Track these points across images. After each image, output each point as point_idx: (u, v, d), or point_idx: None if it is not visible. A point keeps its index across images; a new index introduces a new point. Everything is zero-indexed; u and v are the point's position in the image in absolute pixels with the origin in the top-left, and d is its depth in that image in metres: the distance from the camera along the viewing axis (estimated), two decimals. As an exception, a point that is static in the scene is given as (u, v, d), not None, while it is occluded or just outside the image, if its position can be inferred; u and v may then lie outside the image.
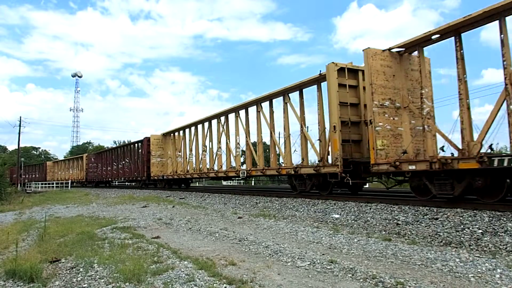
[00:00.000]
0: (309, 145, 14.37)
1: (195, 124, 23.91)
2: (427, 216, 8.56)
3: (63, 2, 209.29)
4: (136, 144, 32.49)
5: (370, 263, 5.50)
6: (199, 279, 4.69)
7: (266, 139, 19.19)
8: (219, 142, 20.89)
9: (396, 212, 9.35)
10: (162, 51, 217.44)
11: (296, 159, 15.27)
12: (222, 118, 20.63)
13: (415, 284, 4.42)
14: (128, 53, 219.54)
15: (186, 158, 25.04)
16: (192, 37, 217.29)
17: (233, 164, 19.72)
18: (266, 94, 16.57)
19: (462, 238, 6.89)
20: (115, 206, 16.24)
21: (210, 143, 21.94)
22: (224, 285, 4.46)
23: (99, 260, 5.77)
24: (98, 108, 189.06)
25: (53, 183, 46.16)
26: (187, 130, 25.27)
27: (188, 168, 24.83)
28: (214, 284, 4.47)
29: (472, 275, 4.78)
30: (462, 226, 7.47)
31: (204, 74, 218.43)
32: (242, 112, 18.80)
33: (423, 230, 7.74)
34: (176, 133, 27.25)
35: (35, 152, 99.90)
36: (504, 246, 6.23)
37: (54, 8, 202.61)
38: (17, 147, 56.75)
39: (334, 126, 12.36)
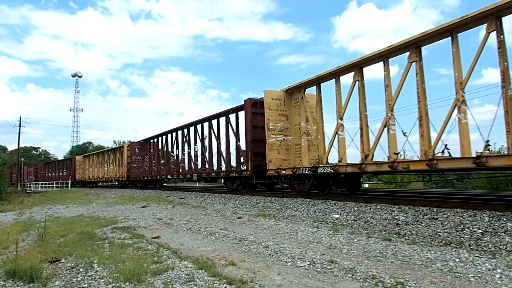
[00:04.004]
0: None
1: (390, 51, 10.62)
2: (427, 216, 8.56)
3: (64, 2, 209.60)
4: (220, 118, 19.40)
5: (370, 263, 5.50)
6: (199, 279, 4.69)
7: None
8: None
9: (396, 212, 9.36)
10: (162, 51, 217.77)
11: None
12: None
13: (415, 284, 4.42)
14: (128, 53, 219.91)
15: (367, 130, 11.65)
16: (192, 37, 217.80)
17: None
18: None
19: (462, 238, 6.89)
20: (115, 206, 16.24)
21: None
22: (224, 285, 4.46)
23: (99, 260, 5.77)
24: (98, 108, 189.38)
25: (52, 183, 45.21)
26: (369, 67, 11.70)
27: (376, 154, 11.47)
28: (214, 284, 4.47)
29: (472, 275, 4.78)
30: (462, 226, 7.48)
31: (204, 74, 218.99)
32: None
33: (423, 230, 7.74)
34: (324, 83, 13.59)
35: (35, 152, 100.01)
36: (504, 246, 6.23)
37: (54, 8, 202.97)
38: (17, 147, 56.77)
39: None
